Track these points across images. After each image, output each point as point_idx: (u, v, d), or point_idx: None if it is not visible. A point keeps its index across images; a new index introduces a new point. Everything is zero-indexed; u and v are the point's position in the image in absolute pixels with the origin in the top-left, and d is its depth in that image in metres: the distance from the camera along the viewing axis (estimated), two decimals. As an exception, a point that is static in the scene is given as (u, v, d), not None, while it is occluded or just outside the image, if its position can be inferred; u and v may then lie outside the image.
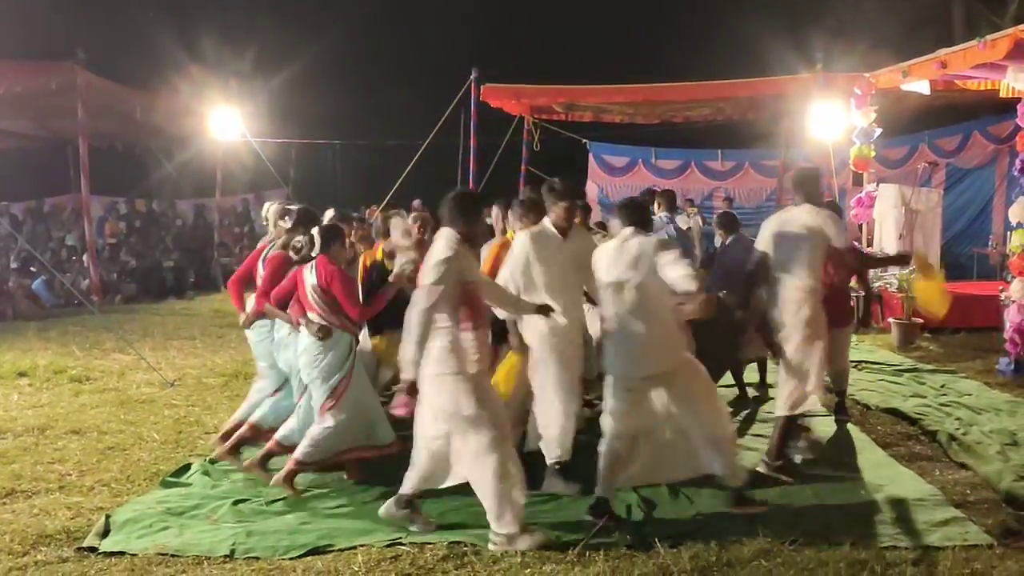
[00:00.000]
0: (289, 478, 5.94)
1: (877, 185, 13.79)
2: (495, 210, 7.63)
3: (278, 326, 6.42)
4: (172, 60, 19.83)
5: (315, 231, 6.17)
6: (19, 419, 7.94)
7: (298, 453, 5.95)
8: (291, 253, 6.30)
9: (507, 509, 5.00)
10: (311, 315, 6.04)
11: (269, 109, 19.78)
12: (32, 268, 16.22)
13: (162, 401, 8.66)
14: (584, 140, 20.59)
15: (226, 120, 17.10)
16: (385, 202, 16.17)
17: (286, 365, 6.43)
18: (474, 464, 5.06)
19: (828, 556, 4.81)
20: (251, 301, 6.64)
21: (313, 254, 6.13)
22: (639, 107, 17.88)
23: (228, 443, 6.49)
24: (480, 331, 5.15)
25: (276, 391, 6.61)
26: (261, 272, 6.61)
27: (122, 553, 5.03)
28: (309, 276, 6.07)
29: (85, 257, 16.80)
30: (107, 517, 5.47)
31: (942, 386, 8.92)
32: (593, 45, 25.29)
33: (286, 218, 6.65)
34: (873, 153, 13.86)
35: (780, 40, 17.93)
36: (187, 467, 6.55)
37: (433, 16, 26.46)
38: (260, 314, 6.49)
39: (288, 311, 6.26)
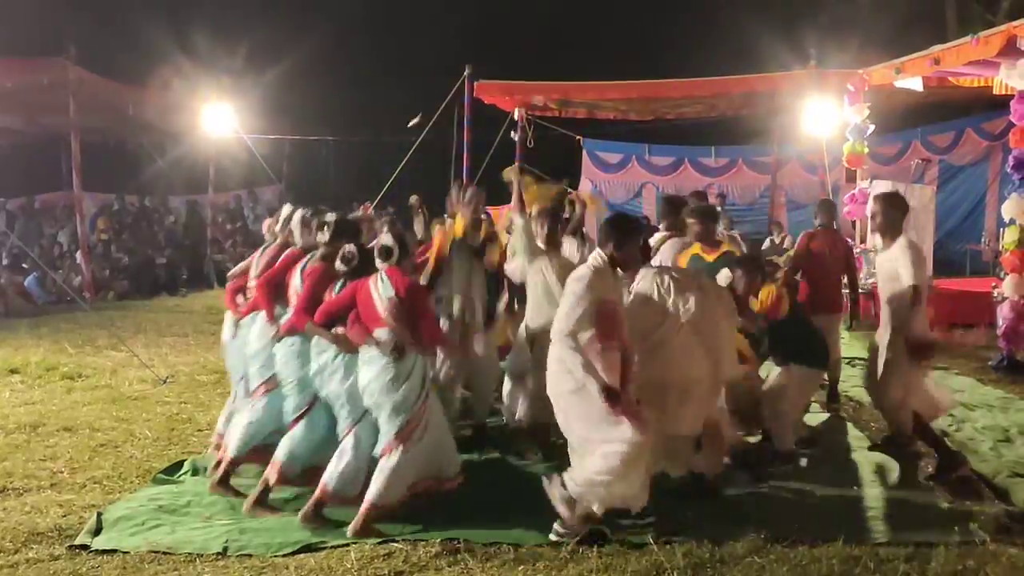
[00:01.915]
0: (365, 525, 5.23)
1: (871, 182, 13.80)
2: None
3: (320, 348, 5.61)
4: (164, 56, 19.73)
5: (387, 239, 5.54)
6: (11, 416, 7.90)
7: (372, 496, 5.25)
8: (340, 265, 5.65)
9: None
10: (380, 331, 5.36)
11: (262, 105, 19.72)
12: (24, 265, 16.18)
13: (155, 398, 8.63)
14: (578, 136, 20.57)
15: (219, 116, 17.08)
16: (378, 199, 16.16)
17: (334, 394, 5.57)
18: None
19: (821, 552, 4.81)
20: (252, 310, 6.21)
21: (383, 264, 5.50)
22: (633, 103, 17.87)
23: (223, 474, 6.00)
24: (617, 350, 5.17)
25: (300, 416, 5.81)
26: (297, 285, 5.92)
27: (114, 551, 5.01)
28: (383, 288, 5.42)
29: (78, 254, 16.75)
30: (99, 515, 5.45)
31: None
32: (587, 41, 25.29)
33: (325, 229, 5.95)
34: (866, 150, 13.86)
35: (774, 36, 17.98)
36: (180, 464, 6.52)
37: (426, 12, 26.43)
38: (293, 331, 5.79)
39: (347, 330, 5.53)
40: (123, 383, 9.29)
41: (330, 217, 6.03)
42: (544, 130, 18.39)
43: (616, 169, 21.07)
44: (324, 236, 5.91)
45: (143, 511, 5.55)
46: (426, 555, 4.90)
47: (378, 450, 5.39)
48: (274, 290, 6.02)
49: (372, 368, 5.34)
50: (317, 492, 5.39)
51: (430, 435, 5.42)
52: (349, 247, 5.66)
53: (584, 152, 20.94)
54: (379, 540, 5.08)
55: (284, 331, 5.82)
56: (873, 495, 5.86)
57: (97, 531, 5.26)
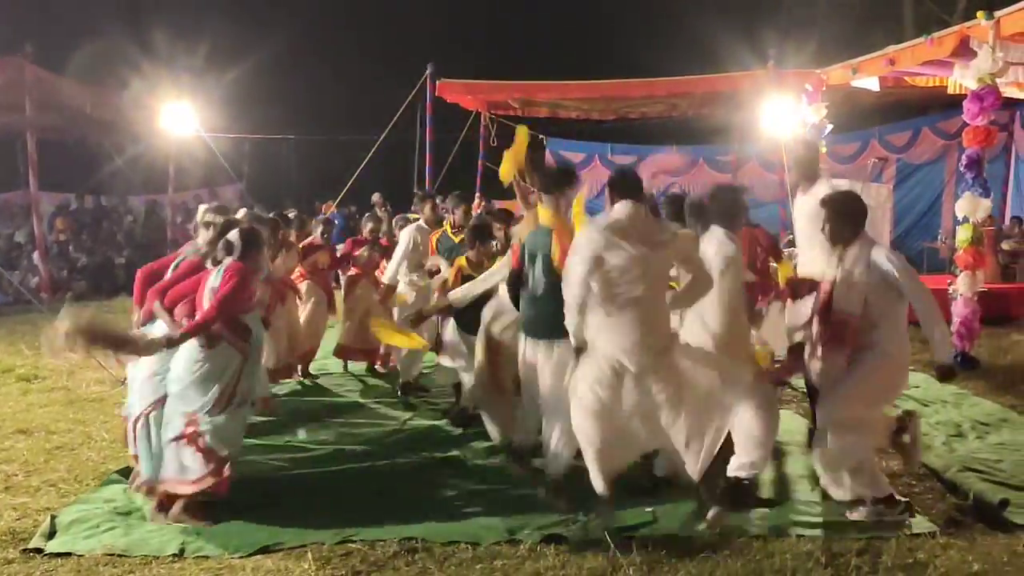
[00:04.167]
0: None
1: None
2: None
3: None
4: (124, 54, 19.50)
5: (233, 235, 5.68)
6: (-35, 419, 7.80)
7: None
8: (222, 252, 5.72)
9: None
10: None
11: (222, 104, 19.55)
12: (-21, 265, 15.95)
13: (112, 400, 8.52)
14: (541, 136, 20.61)
15: (179, 114, 16.89)
16: (340, 197, 16.13)
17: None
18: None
19: (775, 548, 4.88)
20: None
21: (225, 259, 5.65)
22: (595, 103, 17.97)
23: None
24: None
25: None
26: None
27: (69, 554, 4.97)
28: (213, 280, 5.58)
29: (35, 254, 16.54)
30: (52, 518, 5.40)
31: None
32: (549, 41, 25.36)
33: (210, 229, 6.07)
34: (824, 149, 13.99)
35: (733, 36, 18.11)
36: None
37: (388, 11, 26.36)
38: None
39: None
40: (80, 385, 9.20)
41: (216, 218, 6.09)
42: (507, 129, 18.41)
43: (579, 168, 21.02)
44: (208, 236, 6.03)
45: (98, 514, 5.51)
46: (384, 555, 4.90)
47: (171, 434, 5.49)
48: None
49: (182, 354, 5.51)
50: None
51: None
52: (232, 235, 5.70)
53: (547, 151, 20.96)
54: (337, 540, 5.08)
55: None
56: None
57: (51, 534, 5.21)
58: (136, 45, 20.13)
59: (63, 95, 15.88)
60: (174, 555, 4.95)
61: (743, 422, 5.47)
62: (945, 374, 5.42)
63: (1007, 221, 16.05)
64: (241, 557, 4.93)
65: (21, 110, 15.03)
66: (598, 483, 5.15)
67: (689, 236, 5.38)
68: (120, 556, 4.95)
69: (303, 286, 9.27)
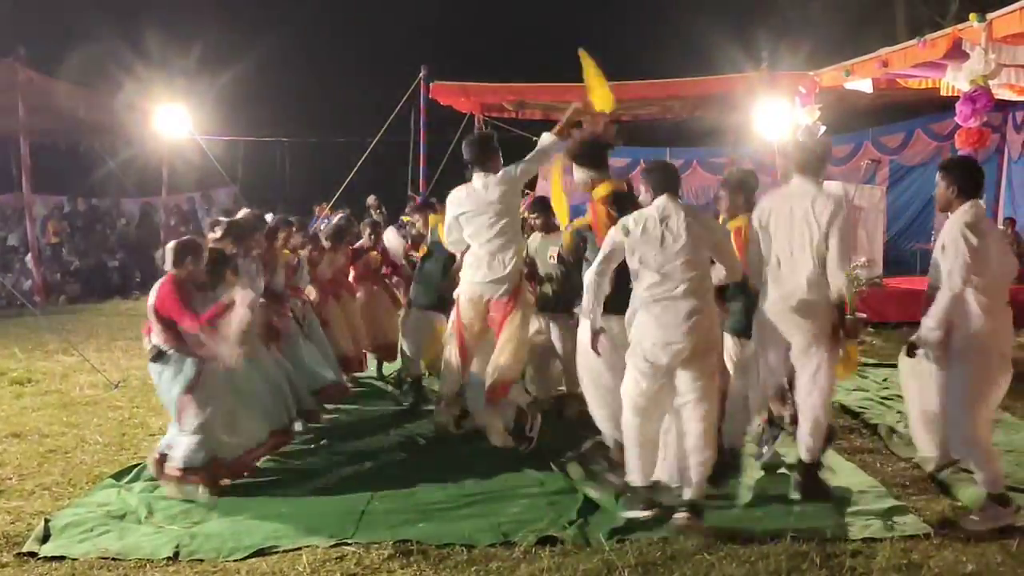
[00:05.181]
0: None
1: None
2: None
3: None
4: (117, 57, 19.51)
5: (169, 245, 6.11)
6: (-42, 423, 7.78)
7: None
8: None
9: None
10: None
11: (216, 106, 19.55)
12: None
13: (106, 403, 8.52)
14: (535, 138, 20.53)
15: (172, 117, 16.89)
16: (334, 200, 16.11)
17: None
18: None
19: (770, 549, 4.87)
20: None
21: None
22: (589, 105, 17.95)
23: None
24: None
25: None
26: None
27: (63, 558, 4.95)
28: (150, 296, 5.98)
29: (28, 257, 16.51)
30: (46, 521, 5.38)
31: (884, 380, 9.07)
32: (542, 43, 25.30)
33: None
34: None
35: (727, 39, 18.14)
36: (130, 469, 6.44)
37: (382, 13, 26.36)
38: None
39: None
40: (74, 388, 9.17)
41: (173, 245, 6.16)
42: (501, 132, 18.40)
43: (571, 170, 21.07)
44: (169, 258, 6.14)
45: (92, 517, 5.49)
46: (379, 557, 4.90)
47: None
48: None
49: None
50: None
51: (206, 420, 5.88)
52: (168, 246, 6.11)
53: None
54: (332, 543, 5.07)
55: None
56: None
57: (45, 538, 5.18)
58: (129, 48, 20.17)
59: (56, 98, 15.86)
60: (168, 558, 4.93)
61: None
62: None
63: (1000, 222, 16.09)
64: (236, 560, 4.91)
65: (14, 113, 15.02)
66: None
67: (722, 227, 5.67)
68: (114, 560, 4.93)
69: (360, 289, 9.53)
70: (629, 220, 5.41)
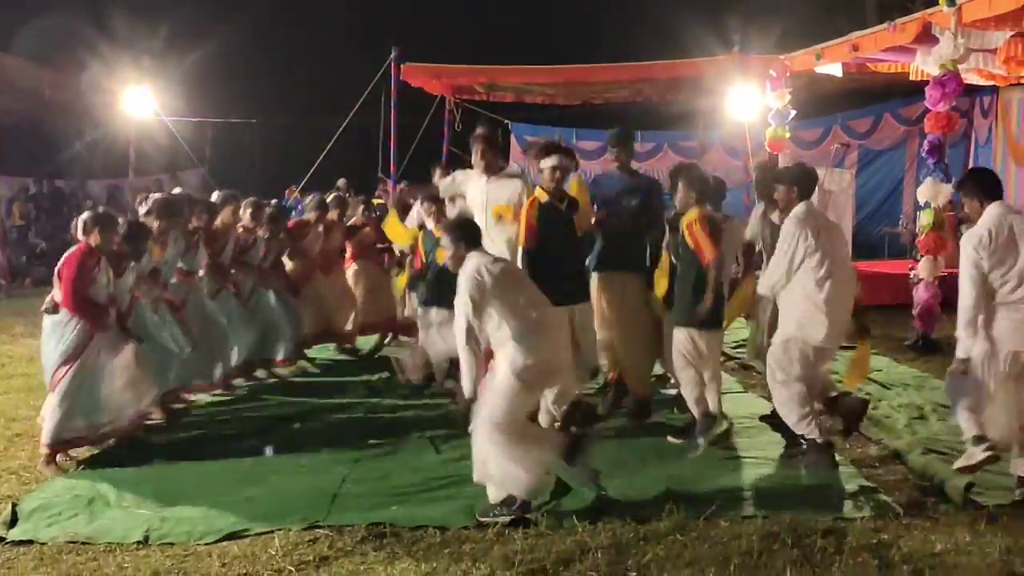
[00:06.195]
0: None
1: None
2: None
3: None
4: (82, 36, 19.19)
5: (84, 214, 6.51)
6: (-78, 407, 7.66)
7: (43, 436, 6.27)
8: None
9: None
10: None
11: (184, 87, 19.29)
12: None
13: (73, 386, 8.41)
14: (506, 120, 20.53)
15: (139, 98, 16.65)
16: (304, 182, 15.98)
17: None
18: None
19: (741, 529, 4.91)
20: None
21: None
22: (559, 88, 17.92)
23: None
24: None
25: None
26: None
27: (31, 542, 4.91)
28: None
29: (-8, 240, 16.28)
30: (14, 505, 5.33)
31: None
32: (514, 25, 25.24)
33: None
34: (788, 134, 14.09)
35: (698, 22, 18.10)
36: (99, 453, 6.39)
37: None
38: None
39: None
40: (40, 372, 9.02)
41: (86, 215, 6.54)
42: (472, 114, 18.33)
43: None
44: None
45: (60, 501, 5.45)
46: (352, 540, 4.88)
47: None
48: None
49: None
50: None
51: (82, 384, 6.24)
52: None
53: (512, 136, 20.89)
54: (304, 526, 5.05)
55: None
56: (792, 473, 5.97)
57: (13, 522, 5.15)
58: (94, 25, 19.81)
59: (18, 76, 15.58)
60: (138, 542, 4.90)
61: None
62: None
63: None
64: (207, 544, 4.89)
65: (-27, 92, 14.76)
66: None
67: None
68: (84, 543, 4.89)
69: (354, 265, 9.74)
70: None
